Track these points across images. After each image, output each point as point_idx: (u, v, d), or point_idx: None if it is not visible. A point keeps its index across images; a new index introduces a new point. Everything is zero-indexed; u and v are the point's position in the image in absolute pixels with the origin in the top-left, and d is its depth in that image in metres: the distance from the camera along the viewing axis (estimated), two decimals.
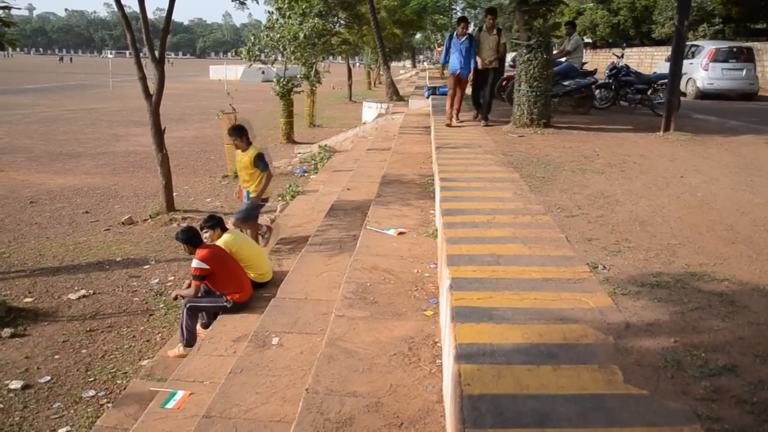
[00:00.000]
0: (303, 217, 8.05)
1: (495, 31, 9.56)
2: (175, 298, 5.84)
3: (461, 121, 9.83)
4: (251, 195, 6.83)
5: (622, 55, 13.06)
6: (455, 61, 9.32)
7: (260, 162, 6.72)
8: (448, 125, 9.41)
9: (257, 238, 6.91)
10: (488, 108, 9.74)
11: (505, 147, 7.36)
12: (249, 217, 6.90)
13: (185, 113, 25.29)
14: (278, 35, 17.50)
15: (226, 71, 47.62)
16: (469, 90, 10.30)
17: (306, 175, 13.19)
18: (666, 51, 20.55)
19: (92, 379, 5.19)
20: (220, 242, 5.64)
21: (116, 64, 49.43)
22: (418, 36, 55.39)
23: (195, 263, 5.22)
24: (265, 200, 7.19)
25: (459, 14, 43.68)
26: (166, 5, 9.92)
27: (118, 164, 14.59)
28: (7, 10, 6.28)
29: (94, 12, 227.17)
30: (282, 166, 14.55)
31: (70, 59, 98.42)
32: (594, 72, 11.98)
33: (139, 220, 9.75)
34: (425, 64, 70.30)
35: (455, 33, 9.40)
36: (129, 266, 7.74)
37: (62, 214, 10.14)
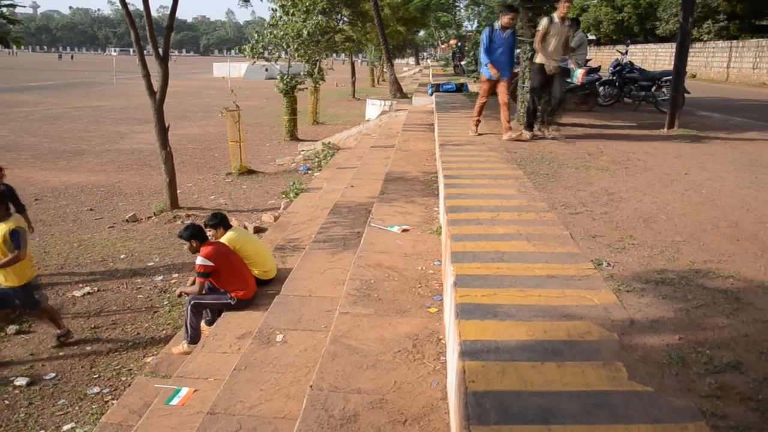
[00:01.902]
0: (307, 214, 8.05)
1: (568, 21, 7.70)
2: (180, 295, 5.86)
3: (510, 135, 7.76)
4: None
5: (626, 52, 13.00)
6: (495, 61, 7.65)
7: (15, 240, 5.35)
8: (475, 133, 8.03)
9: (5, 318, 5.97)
10: (534, 116, 8.08)
11: (509, 144, 7.34)
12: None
13: (189, 111, 25.33)
14: (282, 32, 17.51)
15: (230, 69, 47.55)
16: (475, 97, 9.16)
17: (310, 172, 13.20)
18: (671, 48, 20.66)
19: (97, 375, 5.22)
20: (224, 239, 5.65)
21: (120, 62, 49.51)
22: (422, 33, 55.36)
23: (199, 260, 5.22)
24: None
25: (462, 11, 43.62)
26: (169, 3, 9.93)
27: (122, 162, 14.63)
28: (11, 8, 6.29)
29: (98, 10, 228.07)
30: (286, 163, 14.58)
31: (71, 57, 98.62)
32: (598, 69, 11.95)
33: (143, 217, 9.78)
34: (429, 61, 70.22)
35: (497, 25, 7.65)
36: (133, 263, 7.77)
37: (66, 211, 10.17)
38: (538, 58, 7.74)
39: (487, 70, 7.78)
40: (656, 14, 34.08)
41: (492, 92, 7.94)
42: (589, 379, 2.16)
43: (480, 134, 8.06)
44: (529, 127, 7.99)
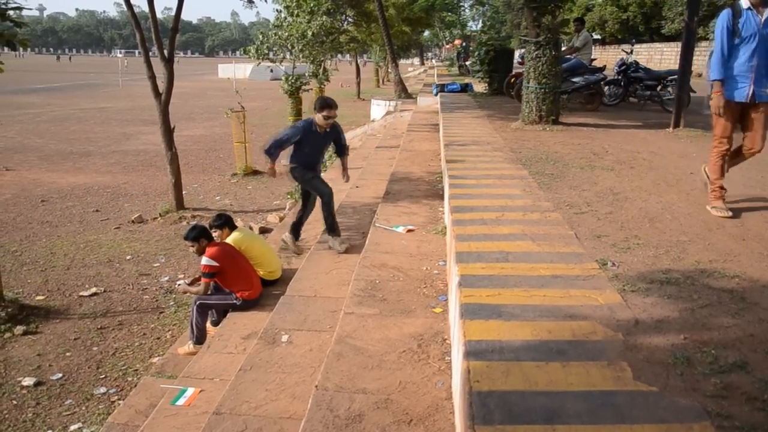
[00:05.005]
0: (312, 214, 8.04)
1: None
2: (184, 292, 5.84)
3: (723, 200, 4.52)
4: None
5: (632, 51, 12.96)
6: (743, 68, 4.30)
7: None
8: (725, 213, 4.31)
9: None
10: None
11: (514, 144, 7.34)
12: None
13: (194, 112, 25.39)
14: (286, 33, 17.51)
15: (235, 70, 47.76)
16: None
17: None
18: (676, 47, 20.51)
19: (103, 376, 5.24)
20: (229, 240, 5.66)
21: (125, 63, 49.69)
22: (427, 33, 55.28)
23: (204, 261, 5.23)
24: None
25: (467, 11, 43.57)
26: (174, 4, 9.97)
27: (128, 163, 14.69)
28: (18, 11, 6.33)
29: (104, 12, 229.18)
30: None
31: (69, 58, 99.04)
32: (603, 68, 11.93)
33: (149, 218, 9.82)
34: (433, 61, 70.21)
35: (743, 4, 4.37)
36: (139, 264, 7.80)
37: (73, 212, 10.22)
38: None
39: (733, 89, 4.35)
40: (661, 13, 33.97)
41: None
42: (593, 379, 2.16)
43: (734, 216, 4.30)
44: None
